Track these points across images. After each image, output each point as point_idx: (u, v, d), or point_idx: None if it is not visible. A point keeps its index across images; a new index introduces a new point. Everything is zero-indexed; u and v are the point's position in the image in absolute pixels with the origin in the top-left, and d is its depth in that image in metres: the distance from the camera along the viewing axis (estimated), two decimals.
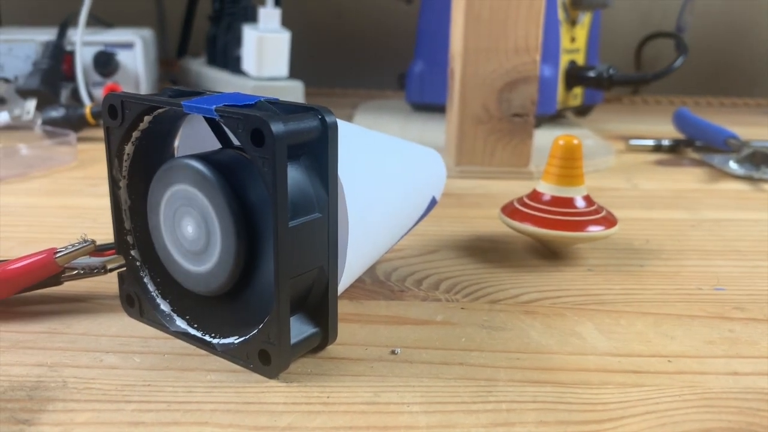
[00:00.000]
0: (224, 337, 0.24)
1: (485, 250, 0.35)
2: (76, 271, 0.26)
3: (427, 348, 0.25)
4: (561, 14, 0.64)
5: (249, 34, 0.65)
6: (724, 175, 0.53)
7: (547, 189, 0.33)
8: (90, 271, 0.26)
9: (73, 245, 0.26)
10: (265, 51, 0.64)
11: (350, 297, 0.29)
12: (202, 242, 0.23)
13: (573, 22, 0.66)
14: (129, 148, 0.24)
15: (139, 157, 0.25)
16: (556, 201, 0.33)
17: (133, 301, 0.26)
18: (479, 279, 0.31)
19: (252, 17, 0.70)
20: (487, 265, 0.33)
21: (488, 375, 0.23)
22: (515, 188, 0.47)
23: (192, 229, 0.23)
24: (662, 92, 0.95)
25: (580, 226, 0.32)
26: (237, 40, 0.68)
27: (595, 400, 0.22)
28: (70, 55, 0.61)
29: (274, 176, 0.20)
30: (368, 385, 0.22)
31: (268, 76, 0.65)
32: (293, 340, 0.22)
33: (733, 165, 0.54)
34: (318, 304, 0.23)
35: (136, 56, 0.63)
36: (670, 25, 0.94)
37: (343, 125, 0.25)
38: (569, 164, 0.33)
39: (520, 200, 0.34)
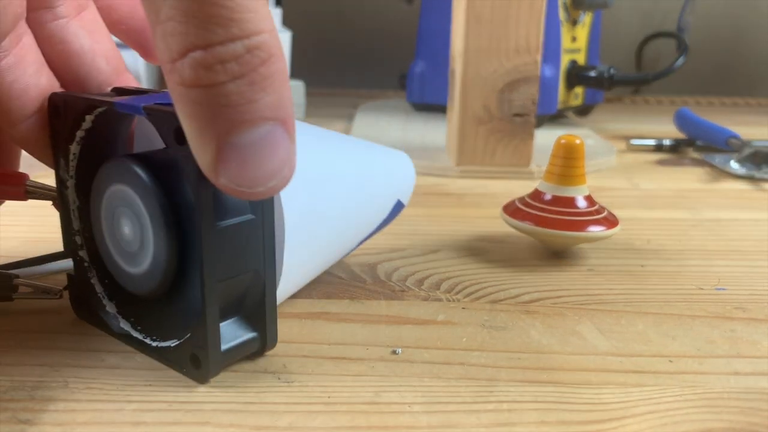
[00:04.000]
0: (164, 340, 0.23)
1: (486, 250, 0.35)
2: (28, 290, 0.26)
3: (428, 348, 0.25)
4: (562, 14, 0.64)
5: None
6: (726, 174, 0.53)
7: (549, 188, 0.33)
8: (44, 293, 0.26)
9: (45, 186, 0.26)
10: None
11: (351, 297, 0.29)
12: (137, 243, 0.23)
13: (574, 22, 0.66)
14: (74, 148, 0.24)
15: (86, 157, 0.24)
16: (558, 201, 0.33)
17: (81, 302, 0.26)
18: (480, 279, 0.31)
19: None
20: (488, 264, 0.33)
21: (489, 375, 0.23)
22: (516, 188, 0.47)
23: (128, 230, 0.23)
24: (663, 92, 0.95)
25: (582, 225, 0.32)
26: None
27: (596, 400, 0.22)
28: None
29: (197, 175, 0.19)
30: (369, 385, 0.22)
31: None
32: (227, 345, 0.22)
33: (734, 165, 0.53)
34: (255, 309, 0.23)
35: (137, 55, 0.63)
36: (671, 25, 0.94)
37: None
38: (571, 164, 0.33)
39: (522, 200, 0.34)
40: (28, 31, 0.23)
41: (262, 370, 0.23)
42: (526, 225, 0.33)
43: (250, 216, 0.22)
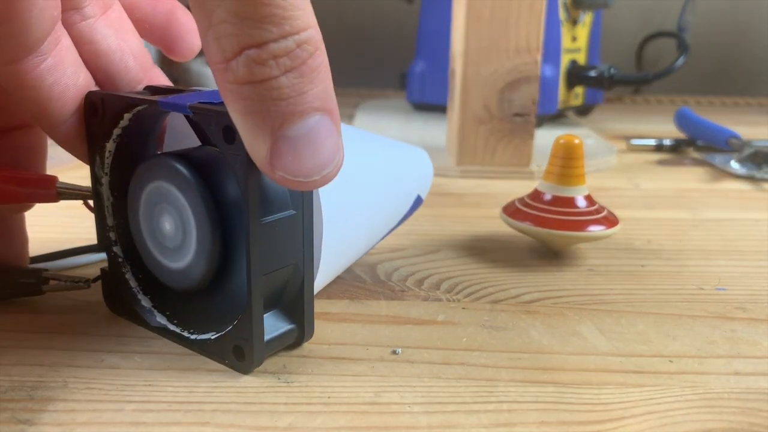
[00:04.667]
0: (202, 333, 0.24)
1: (486, 250, 0.35)
2: (58, 282, 0.27)
3: (428, 348, 0.25)
4: (562, 14, 0.64)
5: None
6: (726, 174, 0.53)
7: (548, 188, 0.33)
8: (73, 283, 0.27)
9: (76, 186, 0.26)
10: None
11: (351, 297, 0.29)
12: (179, 239, 0.23)
13: (574, 22, 0.66)
14: (110, 146, 0.24)
15: (121, 154, 0.25)
16: (557, 200, 0.33)
17: (115, 297, 0.26)
18: (480, 279, 0.31)
19: None
20: (489, 265, 0.33)
21: (489, 375, 0.23)
22: (516, 188, 0.47)
23: (169, 226, 0.23)
24: (663, 92, 0.95)
25: (582, 225, 0.32)
26: None
27: (596, 401, 0.22)
28: None
29: (245, 173, 0.20)
30: (369, 385, 0.22)
31: None
32: (268, 337, 0.22)
33: (734, 165, 0.53)
34: (294, 301, 0.23)
35: None
36: (672, 24, 0.94)
37: None
38: (570, 164, 0.33)
39: (522, 200, 0.34)
40: (65, 32, 0.23)
41: (262, 370, 0.23)
42: (526, 225, 0.33)
43: (291, 211, 0.22)
